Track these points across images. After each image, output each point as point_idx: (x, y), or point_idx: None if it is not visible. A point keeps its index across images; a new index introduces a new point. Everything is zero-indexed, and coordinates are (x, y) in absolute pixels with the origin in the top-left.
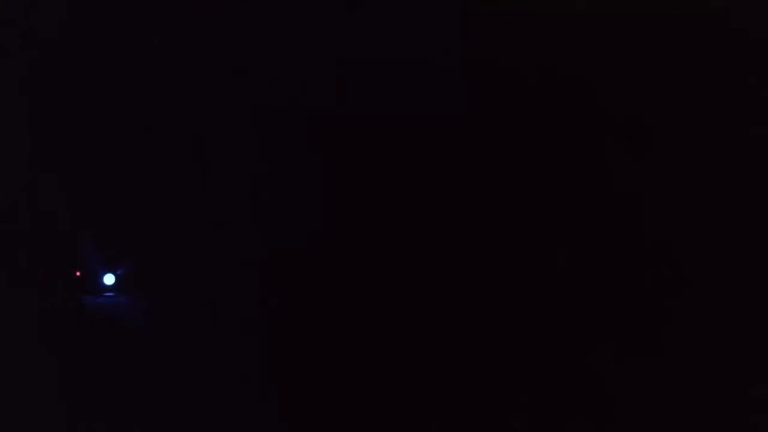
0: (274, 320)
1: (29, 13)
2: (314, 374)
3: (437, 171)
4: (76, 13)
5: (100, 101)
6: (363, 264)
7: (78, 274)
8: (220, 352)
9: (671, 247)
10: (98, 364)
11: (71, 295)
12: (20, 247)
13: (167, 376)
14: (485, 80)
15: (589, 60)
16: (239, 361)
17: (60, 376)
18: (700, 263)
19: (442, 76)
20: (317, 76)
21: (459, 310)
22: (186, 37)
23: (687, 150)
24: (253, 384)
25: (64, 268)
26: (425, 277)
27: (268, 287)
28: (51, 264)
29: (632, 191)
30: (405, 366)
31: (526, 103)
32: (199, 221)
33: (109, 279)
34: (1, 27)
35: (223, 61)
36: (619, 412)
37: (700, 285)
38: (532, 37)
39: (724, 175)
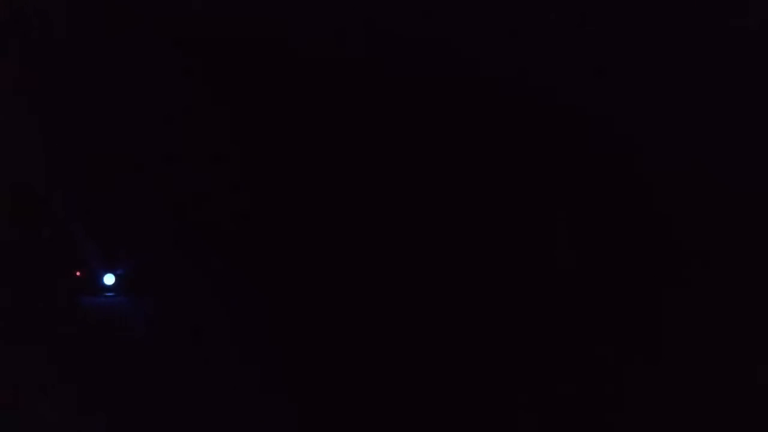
0: (275, 321)
1: (33, 15)
2: (315, 375)
3: (436, 166)
4: (77, 14)
5: (100, 101)
6: (366, 263)
7: (78, 274)
8: (220, 353)
9: (676, 244)
10: (98, 364)
11: (71, 295)
12: (20, 247)
13: (167, 377)
14: (487, 71)
15: (589, 55)
16: (240, 362)
17: (60, 377)
18: (707, 261)
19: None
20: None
21: (459, 308)
22: (185, 35)
23: (691, 145)
24: (254, 385)
25: (64, 268)
26: (424, 275)
27: (269, 287)
28: (51, 264)
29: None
30: (405, 366)
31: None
32: (200, 221)
33: (109, 279)
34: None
35: (221, 58)
36: (622, 411)
37: (705, 282)
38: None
39: (729, 171)
